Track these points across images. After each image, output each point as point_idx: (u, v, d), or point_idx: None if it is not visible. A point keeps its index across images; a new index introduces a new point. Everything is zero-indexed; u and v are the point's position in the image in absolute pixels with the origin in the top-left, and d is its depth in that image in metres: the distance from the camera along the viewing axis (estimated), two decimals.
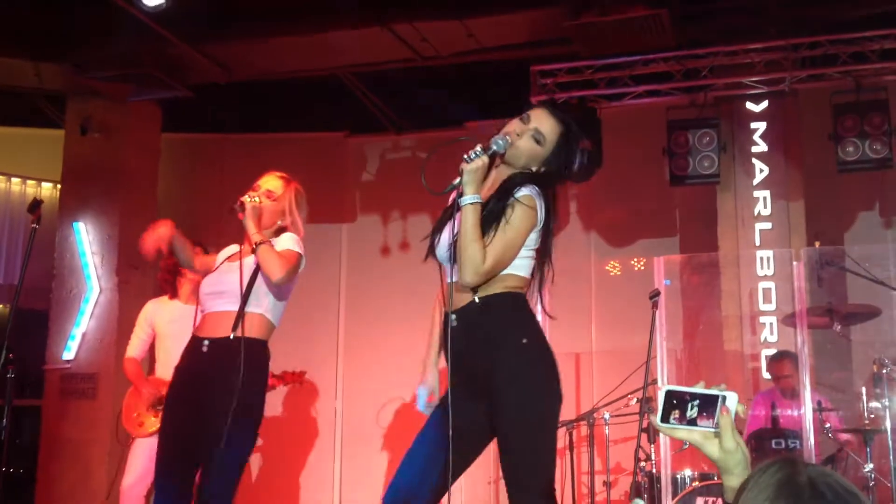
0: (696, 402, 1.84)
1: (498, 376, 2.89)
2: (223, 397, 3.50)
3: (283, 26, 7.45)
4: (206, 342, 3.65)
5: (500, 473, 3.00)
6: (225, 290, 3.68)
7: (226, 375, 3.53)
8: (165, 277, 5.51)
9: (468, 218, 2.86)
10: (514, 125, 3.04)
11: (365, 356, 8.53)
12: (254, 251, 3.65)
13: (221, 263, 3.86)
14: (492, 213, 2.93)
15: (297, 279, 3.85)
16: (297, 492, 8.38)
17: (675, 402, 1.85)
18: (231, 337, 3.61)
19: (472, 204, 2.87)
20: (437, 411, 3.06)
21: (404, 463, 3.00)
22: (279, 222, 3.85)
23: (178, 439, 3.60)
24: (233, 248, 3.95)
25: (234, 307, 3.64)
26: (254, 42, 7.61)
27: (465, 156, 2.88)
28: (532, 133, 3.01)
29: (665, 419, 1.85)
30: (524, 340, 2.95)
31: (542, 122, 3.04)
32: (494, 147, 2.94)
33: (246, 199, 3.77)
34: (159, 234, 3.86)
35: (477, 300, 2.93)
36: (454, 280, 2.95)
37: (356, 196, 9.04)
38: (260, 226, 3.74)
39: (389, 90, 8.79)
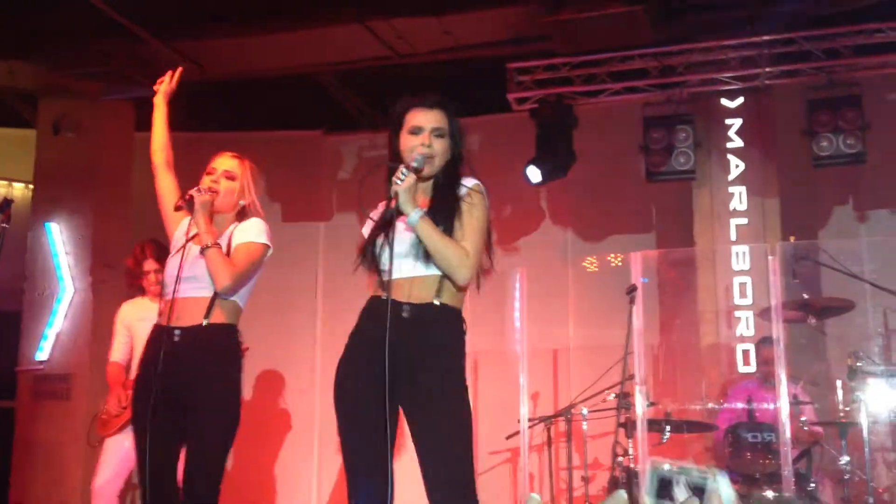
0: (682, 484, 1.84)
1: (440, 382, 2.95)
2: (202, 388, 3.44)
3: (258, 24, 7.40)
4: (178, 331, 3.51)
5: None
6: (198, 274, 3.55)
7: (203, 365, 3.47)
8: (129, 281, 5.46)
9: (426, 230, 2.94)
10: (409, 141, 3.09)
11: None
12: (202, 253, 3.53)
13: (186, 244, 3.66)
14: (445, 211, 3.03)
15: (264, 267, 3.75)
16: (274, 487, 8.34)
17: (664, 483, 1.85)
18: (204, 324, 3.52)
19: (421, 218, 2.93)
20: (347, 415, 3.03)
21: (358, 481, 2.98)
22: (241, 202, 3.78)
23: (156, 433, 3.44)
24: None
25: (207, 293, 3.54)
26: (228, 40, 7.55)
27: (395, 179, 2.93)
28: (434, 133, 3.08)
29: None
30: (462, 363, 3.04)
31: (430, 118, 3.10)
32: (415, 164, 3.00)
33: (195, 192, 3.63)
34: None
35: (437, 303, 2.99)
36: (403, 276, 3.00)
37: (333, 194, 9.01)
38: (211, 222, 3.63)
39: (366, 88, 8.76)
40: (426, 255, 2.97)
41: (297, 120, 9.02)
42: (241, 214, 3.77)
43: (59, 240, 7.90)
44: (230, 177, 3.76)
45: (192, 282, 3.56)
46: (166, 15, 7.34)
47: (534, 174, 7.39)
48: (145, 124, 8.27)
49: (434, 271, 3.00)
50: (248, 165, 3.85)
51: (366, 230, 3.19)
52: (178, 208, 3.64)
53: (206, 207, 3.60)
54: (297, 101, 8.86)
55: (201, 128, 8.11)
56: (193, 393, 3.45)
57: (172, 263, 3.64)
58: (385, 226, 3.04)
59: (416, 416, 2.97)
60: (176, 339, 3.51)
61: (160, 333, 3.56)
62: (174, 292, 3.55)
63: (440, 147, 3.09)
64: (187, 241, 3.65)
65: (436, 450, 2.91)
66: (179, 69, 4.11)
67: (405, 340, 2.93)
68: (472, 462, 2.96)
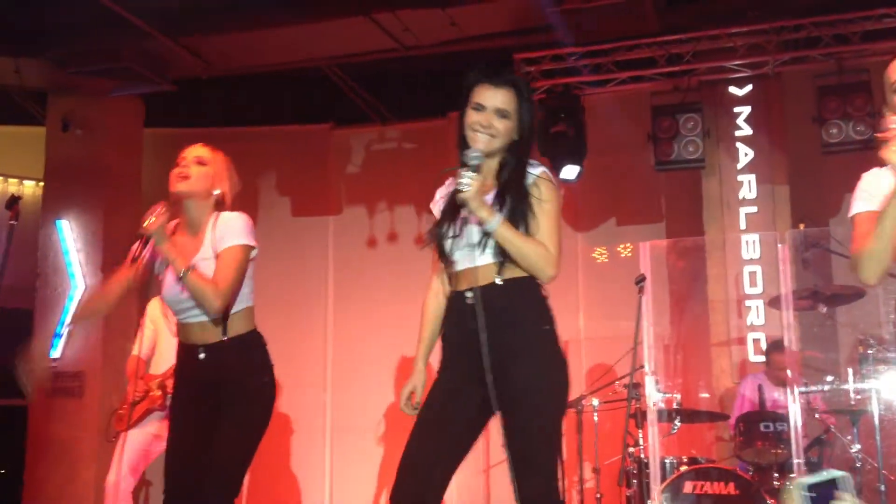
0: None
1: (520, 359, 2.84)
2: (232, 399, 3.44)
3: (264, 18, 7.40)
4: (202, 349, 3.46)
5: (490, 463, 2.98)
6: (193, 304, 3.42)
7: (230, 377, 3.46)
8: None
9: (506, 236, 2.82)
10: (472, 117, 2.94)
11: (354, 348, 8.52)
12: (180, 280, 3.36)
13: (167, 270, 3.49)
14: (517, 203, 2.90)
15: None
16: (288, 485, 8.37)
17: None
18: (225, 339, 3.46)
19: (500, 225, 2.81)
20: (432, 407, 2.95)
21: (406, 468, 2.90)
22: (216, 191, 3.54)
23: (189, 455, 3.45)
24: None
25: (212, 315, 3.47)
26: (235, 34, 7.56)
27: (459, 187, 2.78)
28: (496, 114, 2.93)
29: None
30: (546, 327, 2.92)
31: (496, 98, 2.93)
32: (476, 161, 2.83)
33: (144, 228, 3.36)
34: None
35: (499, 281, 2.88)
36: (469, 266, 2.91)
37: (342, 188, 9.02)
38: (176, 245, 3.43)
39: (373, 81, 8.75)
40: (499, 249, 2.86)
41: (305, 114, 9.02)
42: (218, 205, 3.56)
43: (70, 237, 7.93)
44: (201, 162, 3.54)
45: (193, 309, 3.45)
46: (173, 10, 7.34)
47: (569, 172, 7.35)
48: (154, 120, 8.39)
49: (498, 257, 2.89)
50: (221, 156, 3.63)
51: (436, 209, 3.09)
52: (135, 260, 3.43)
53: (162, 233, 3.37)
54: (305, 95, 8.87)
55: (209, 123, 8.13)
56: (225, 406, 3.44)
57: (166, 291, 3.50)
58: (453, 213, 2.94)
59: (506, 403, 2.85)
60: (201, 356, 3.47)
61: (186, 350, 3.55)
62: (182, 318, 3.51)
63: (502, 128, 2.93)
64: (167, 268, 3.49)
65: (513, 448, 2.81)
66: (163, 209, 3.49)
67: (472, 325, 2.82)
68: (556, 445, 2.89)
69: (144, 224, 3.37)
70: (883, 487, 5.19)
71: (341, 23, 7.36)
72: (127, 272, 3.52)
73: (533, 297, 2.93)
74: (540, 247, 2.87)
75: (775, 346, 6.33)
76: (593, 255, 8.07)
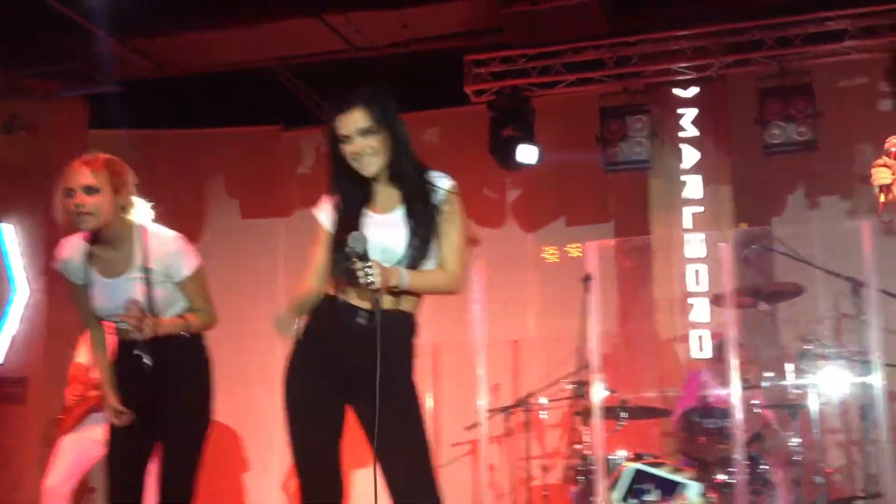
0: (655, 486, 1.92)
1: (403, 386, 2.97)
2: (173, 392, 3.47)
3: (213, 19, 7.36)
4: (139, 345, 3.45)
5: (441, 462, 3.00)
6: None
7: (170, 369, 3.48)
8: None
9: (417, 284, 2.89)
10: (346, 152, 2.94)
11: None
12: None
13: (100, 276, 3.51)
14: (424, 221, 2.93)
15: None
16: (240, 493, 8.33)
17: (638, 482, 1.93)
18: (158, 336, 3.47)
19: (409, 278, 2.87)
20: (310, 412, 3.04)
21: (315, 473, 3.02)
22: (119, 204, 3.44)
23: (132, 457, 3.50)
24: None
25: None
26: (183, 35, 7.51)
27: (364, 280, 2.73)
28: (361, 134, 2.91)
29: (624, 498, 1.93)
30: (413, 360, 3.06)
31: (352, 121, 2.91)
32: (363, 245, 2.74)
33: (138, 335, 3.40)
34: None
35: (400, 310, 2.97)
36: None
37: (292, 190, 8.97)
38: (108, 243, 3.48)
39: (324, 82, 8.72)
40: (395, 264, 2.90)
41: (254, 116, 8.97)
42: (125, 210, 3.49)
43: (12, 241, 7.80)
44: (93, 189, 3.38)
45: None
46: (121, 11, 7.27)
47: (527, 153, 7.38)
48: (99, 122, 8.29)
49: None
50: (104, 162, 3.44)
51: (326, 220, 3.10)
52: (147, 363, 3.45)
53: (150, 331, 3.40)
54: (255, 96, 8.81)
55: (157, 125, 8.06)
56: (165, 397, 3.47)
57: (100, 300, 3.51)
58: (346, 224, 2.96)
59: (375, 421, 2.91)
60: (136, 351, 3.47)
61: (125, 348, 3.56)
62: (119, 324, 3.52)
63: (376, 144, 2.92)
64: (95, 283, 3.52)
65: (400, 455, 2.91)
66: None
67: (363, 346, 2.86)
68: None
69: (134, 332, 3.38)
70: (820, 479, 5.31)
71: (291, 24, 7.34)
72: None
73: (414, 334, 3.04)
74: (444, 274, 2.96)
75: (724, 347, 6.42)
76: (543, 254, 8.12)
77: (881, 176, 3.35)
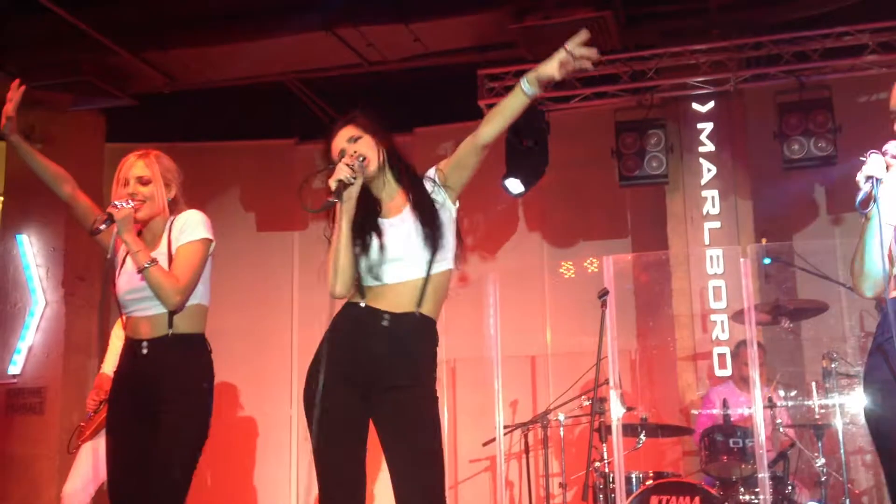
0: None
1: (417, 392, 3.00)
2: (170, 399, 3.38)
3: (226, 33, 7.37)
4: (145, 343, 3.44)
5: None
6: (150, 294, 3.40)
7: (169, 374, 3.41)
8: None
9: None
10: (344, 161, 3.05)
11: None
12: (140, 272, 3.36)
13: (124, 262, 3.51)
14: (428, 208, 3.08)
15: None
16: (254, 500, 8.28)
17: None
18: (169, 335, 3.44)
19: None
20: (335, 419, 3.03)
21: (333, 482, 3.01)
22: (168, 198, 3.54)
23: (132, 451, 3.41)
24: None
25: (164, 308, 3.43)
26: (197, 49, 7.52)
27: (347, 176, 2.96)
28: (353, 142, 3.12)
29: None
30: (434, 374, 3.10)
31: (344, 135, 3.14)
32: (334, 186, 2.97)
33: (113, 210, 3.37)
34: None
35: (419, 314, 3.03)
36: (385, 283, 3.05)
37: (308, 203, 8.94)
38: (140, 235, 3.46)
39: (338, 96, 8.72)
40: (412, 258, 3.02)
41: (269, 129, 8.97)
42: (173, 206, 3.56)
43: (30, 252, 7.82)
44: (146, 181, 3.49)
45: (148, 301, 3.44)
46: (135, 25, 7.28)
47: (514, 185, 7.41)
48: (116, 135, 8.29)
49: (418, 275, 3.02)
50: (156, 156, 3.56)
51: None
52: (95, 231, 3.41)
53: (128, 222, 3.36)
54: (270, 110, 8.82)
55: (172, 138, 8.04)
56: (162, 404, 3.39)
57: (121, 283, 3.50)
58: (362, 230, 3.06)
59: (388, 427, 2.99)
60: (144, 351, 3.45)
61: (130, 346, 3.52)
62: (132, 311, 3.49)
63: (364, 148, 3.11)
64: (125, 258, 3.50)
65: (410, 463, 2.93)
66: (20, 88, 3.51)
67: (385, 350, 2.97)
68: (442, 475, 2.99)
69: (114, 206, 3.37)
70: (848, 502, 5.23)
71: (304, 38, 7.34)
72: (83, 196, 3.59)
73: (434, 339, 3.11)
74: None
75: (742, 344, 6.36)
76: (560, 270, 8.08)
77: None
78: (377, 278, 3.04)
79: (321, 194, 3.07)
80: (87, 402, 5.31)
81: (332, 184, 2.95)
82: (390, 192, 3.16)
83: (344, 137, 3.14)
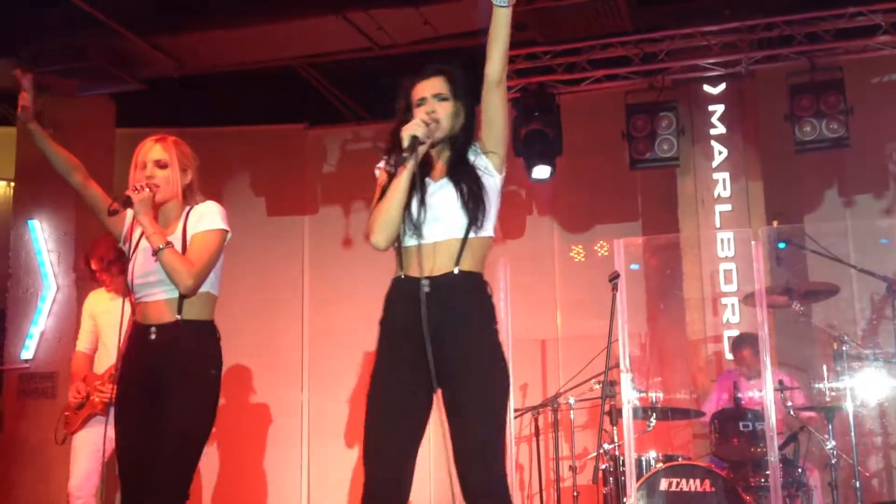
0: None
1: (474, 358, 2.92)
2: (178, 385, 3.40)
3: (235, 17, 7.34)
4: (153, 329, 3.47)
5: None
6: (160, 278, 3.44)
7: (177, 360, 3.43)
8: (89, 274, 5.43)
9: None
10: (417, 114, 3.04)
11: (331, 347, 8.47)
12: (155, 255, 3.39)
13: (138, 245, 3.55)
14: (467, 180, 3.03)
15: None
16: (264, 485, 8.32)
17: None
18: (179, 320, 3.46)
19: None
20: (388, 396, 2.98)
21: (377, 459, 2.96)
22: (184, 183, 3.58)
23: (140, 437, 3.43)
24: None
25: (175, 294, 3.45)
26: (206, 33, 7.49)
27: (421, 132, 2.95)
28: (436, 98, 3.06)
29: None
30: (496, 327, 3.01)
31: (430, 86, 3.09)
32: (407, 143, 2.94)
33: (132, 192, 3.41)
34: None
35: (457, 271, 2.97)
36: (423, 243, 2.99)
37: (317, 188, 8.96)
38: (157, 219, 3.50)
39: (348, 80, 8.71)
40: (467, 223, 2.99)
41: (279, 114, 8.97)
42: (189, 191, 3.60)
43: (41, 237, 7.84)
44: (163, 165, 3.53)
45: (158, 285, 3.47)
46: (144, 9, 7.27)
47: (540, 172, 7.41)
48: (126, 120, 8.30)
49: (456, 235, 2.99)
50: (173, 141, 3.60)
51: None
52: (113, 212, 3.46)
53: (146, 206, 3.42)
54: (280, 94, 8.81)
55: (182, 123, 8.05)
56: (168, 388, 3.41)
57: (133, 267, 3.52)
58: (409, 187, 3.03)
59: (449, 390, 2.93)
60: (152, 336, 3.47)
61: (138, 331, 3.53)
62: (142, 297, 3.50)
63: (443, 110, 3.05)
64: (138, 242, 3.53)
65: (467, 422, 2.88)
66: (27, 76, 3.65)
67: (431, 315, 2.88)
68: (502, 434, 2.94)
69: (134, 188, 3.42)
70: (858, 484, 5.22)
71: (314, 22, 7.30)
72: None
73: (484, 293, 3.03)
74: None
75: (737, 343, 6.37)
76: (570, 253, 8.07)
77: None
78: (417, 236, 2.99)
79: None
80: (70, 395, 5.23)
81: (406, 137, 2.93)
82: (444, 156, 3.14)
83: (432, 88, 3.09)
